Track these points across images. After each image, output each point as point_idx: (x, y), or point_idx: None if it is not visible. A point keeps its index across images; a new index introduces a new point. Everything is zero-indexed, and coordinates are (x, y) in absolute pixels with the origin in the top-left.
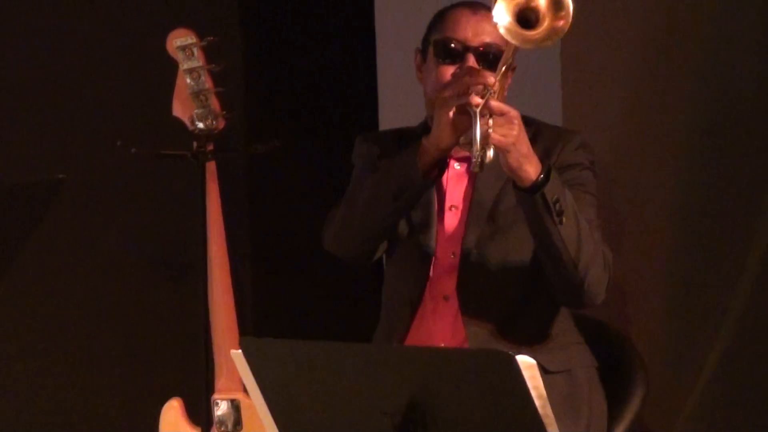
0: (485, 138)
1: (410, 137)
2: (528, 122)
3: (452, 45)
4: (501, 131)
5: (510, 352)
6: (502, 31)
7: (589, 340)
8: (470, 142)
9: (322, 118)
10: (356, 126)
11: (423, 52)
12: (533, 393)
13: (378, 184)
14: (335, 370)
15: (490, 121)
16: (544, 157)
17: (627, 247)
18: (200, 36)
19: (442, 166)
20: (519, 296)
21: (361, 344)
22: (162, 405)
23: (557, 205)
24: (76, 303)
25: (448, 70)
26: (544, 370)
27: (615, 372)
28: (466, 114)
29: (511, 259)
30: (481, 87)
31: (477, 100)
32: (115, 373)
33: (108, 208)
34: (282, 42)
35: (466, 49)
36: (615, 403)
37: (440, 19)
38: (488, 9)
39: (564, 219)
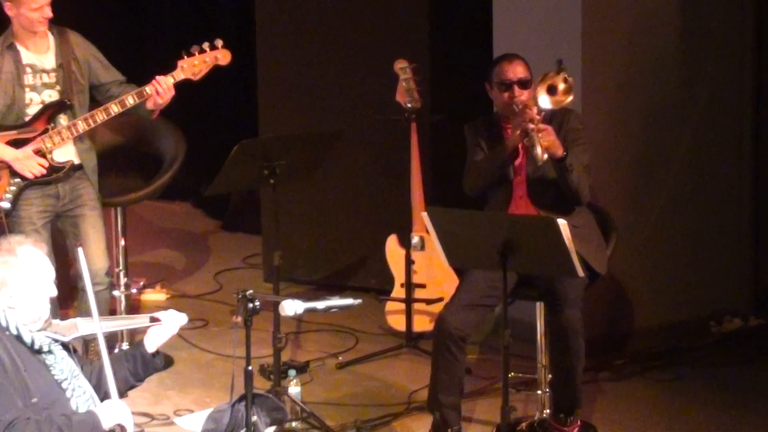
0: (543, 147)
1: (492, 124)
2: (547, 111)
3: (505, 83)
4: (546, 139)
5: (553, 217)
6: (548, 105)
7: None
8: (532, 145)
9: (465, 104)
10: (483, 108)
11: (489, 83)
12: (565, 238)
13: (489, 166)
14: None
15: (540, 135)
16: (559, 128)
17: (600, 139)
18: (410, 62)
19: (516, 151)
20: (557, 193)
21: (486, 211)
22: (387, 237)
23: (570, 167)
24: (344, 196)
25: (506, 95)
26: (573, 227)
27: (598, 225)
28: (526, 132)
29: (551, 177)
30: (532, 118)
31: (532, 126)
32: (363, 224)
33: (360, 146)
34: (449, 65)
35: (512, 83)
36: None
37: (496, 67)
38: (517, 56)
39: (573, 172)
